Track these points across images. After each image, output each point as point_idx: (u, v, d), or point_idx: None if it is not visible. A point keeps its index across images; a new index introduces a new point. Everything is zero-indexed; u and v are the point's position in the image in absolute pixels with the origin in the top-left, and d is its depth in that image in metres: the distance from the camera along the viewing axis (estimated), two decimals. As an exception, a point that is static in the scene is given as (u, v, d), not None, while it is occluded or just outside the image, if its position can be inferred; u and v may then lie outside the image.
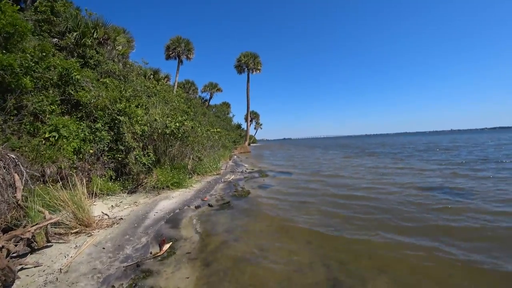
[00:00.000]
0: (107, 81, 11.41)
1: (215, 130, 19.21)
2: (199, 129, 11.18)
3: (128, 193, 8.08)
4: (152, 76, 29.33)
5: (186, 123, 9.44)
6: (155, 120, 8.87)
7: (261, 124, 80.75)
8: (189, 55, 35.10)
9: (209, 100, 53.61)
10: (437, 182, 9.08)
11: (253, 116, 71.02)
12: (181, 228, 5.28)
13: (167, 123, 8.83)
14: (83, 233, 4.77)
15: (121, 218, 5.63)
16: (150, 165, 8.77)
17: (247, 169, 15.22)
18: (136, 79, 15.09)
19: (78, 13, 12.83)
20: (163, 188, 8.59)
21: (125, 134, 8.69)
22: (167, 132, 8.73)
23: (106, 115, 9.03)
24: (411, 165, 13.94)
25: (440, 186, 8.43)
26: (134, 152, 8.07)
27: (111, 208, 6.48)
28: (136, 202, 7.10)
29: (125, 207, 6.66)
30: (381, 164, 15.09)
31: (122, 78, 14.49)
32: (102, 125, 8.58)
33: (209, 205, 6.97)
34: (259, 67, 38.27)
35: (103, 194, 7.46)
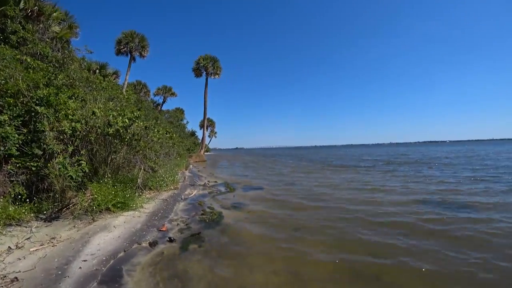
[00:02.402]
0: (28, 60, 8.45)
1: (170, 134, 16.67)
2: (154, 131, 8.81)
3: (45, 221, 5.45)
4: (98, 70, 25.31)
5: (137, 122, 7.09)
6: (93, 114, 6.36)
7: (216, 132, 77.96)
8: (142, 52, 31.57)
9: (162, 104, 49.67)
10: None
11: (209, 123, 68.03)
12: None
13: (110, 120, 6.39)
14: None
15: (14, 280, 3.20)
16: (81, 178, 6.22)
17: (209, 181, 13.06)
18: (74, 68, 11.98)
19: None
20: (101, 211, 6.12)
21: (45, 133, 6.06)
22: (110, 132, 6.30)
23: (19, 105, 6.34)
24: (376, 178, 13.44)
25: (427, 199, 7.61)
26: (57, 159, 5.48)
27: (5, 254, 3.93)
28: (54, 239, 4.60)
29: (32, 249, 4.14)
30: (348, 176, 14.37)
31: (56, 65, 11.34)
32: (10, 118, 5.89)
33: (170, 240, 4.82)
34: (218, 72, 36.23)
35: (1, 224, 4.79)
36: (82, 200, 6.07)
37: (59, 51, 15.10)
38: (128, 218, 5.90)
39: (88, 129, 6.87)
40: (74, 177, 5.30)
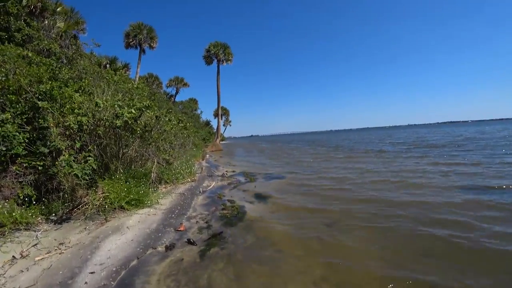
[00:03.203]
0: (30, 54, 8.01)
1: (184, 124, 16.17)
2: (166, 121, 8.21)
3: (55, 223, 5.04)
4: (108, 65, 25.08)
5: (148, 113, 6.49)
6: (97, 106, 5.81)
7: (230, 121, 77.42)
8: (152, 44, 31.15)
9: (175, 95, 49.51)
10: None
11: (223, 112, 67.55)
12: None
13: (117, 111, 5.81)
14: None
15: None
16: (89, 176, 5.77)
17: (227, 171, 12.51)
18: (84, 63, 11.54)
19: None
20: (114, 209, 5.67)
21: (50, 130, 5.59)
22: (118, 125, 5.74)
23: (22, 102, 5.92)
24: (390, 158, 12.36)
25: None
26: (62, 157, 5.00)
27: (8, 265, 3.50)
28: (62, 244, 4.15)
29: (37, 258, 3.70)
30: (368, 162, 13.38)
31: (65, 62, 10.96)
32: (12, 116, 5.46)
33: (189, 242, 4.25)
34: (230, 58, 35.23)
35: (8, 230, 4.41)
36: (94, 199, 5.62)
37: (68, 48, 14.73)
38: (143, 217, 5.39)
39: (96, 122, 6.37)
40: (80, 175, 4.77)
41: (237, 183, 9.35)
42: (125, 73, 26.82)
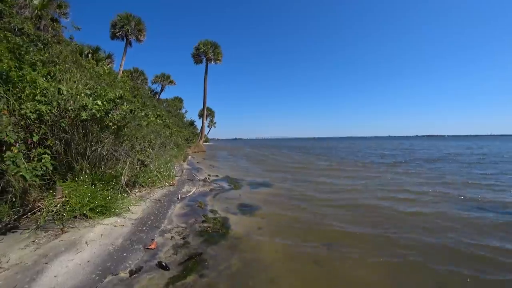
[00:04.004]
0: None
1: (163, 120, 15.16)
2: (142, 115, 7.30)
3: (-1, 233, 4.10)
4: (90, 55, 23.57)
5: (123, 107, 5.62)
6: (59, 92, 4.90)
7: (215, 122, 76.02)
8: (139, 37, 29.91)
9: (160, 93, 48.00)
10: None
11: (208, 113, 66.17)
12: None
13: (84, 101, 4.93)
14: None
15: None
16: (48, 176, 4.85)
17: (209, 175, 11.69)
18: (61, 47, 10.37)
19: None
20: (74, 217, 4.78)
21: (2, 117, 4.64)
22: (84, 117, 4.86)
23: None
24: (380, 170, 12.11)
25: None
26: (8, 153, 4.06)
27: None
28: (-5, 264, 3.25)
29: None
30: (361, 170, 13.04)
31: (40, 44, 9.76)
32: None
33: (161, 266, 3.46)
34: (219, 58, 34.39)
35: None
36: (50, 204, 4.72)
37: (45, 31, 13.47)
38: (108, 229, 4.53)
39: (60, 113, 5.43)
40: (27, 178, 3.87)
41: (220, 190, 8.59)
42: (108, 64, 25.36)
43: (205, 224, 5.12)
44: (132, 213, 5.48)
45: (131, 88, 18.40)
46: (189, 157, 21.77)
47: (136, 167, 6.26)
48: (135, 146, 6.34)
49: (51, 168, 4.29)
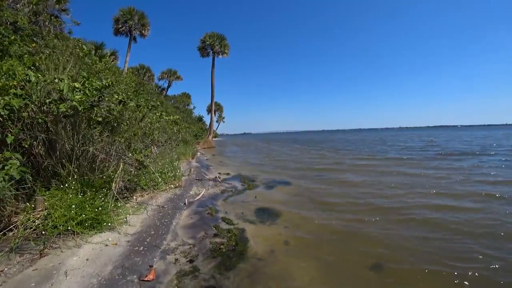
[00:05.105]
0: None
1: (167, 115, 14.24)
2: (139, 107, 6.28)
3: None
4: (93, 51, 22.87)
5: (113, 97, 4.64)
6: (28, 81, 3.95)
7: (223, 117, 75.11)
8: (143, 32, 29.04)
9: (167, 89, 47.41)
10: None
11: (216, 108, 65.28)
12: None
13: (63, 90, 3.95)
14: None
15: None
16: (28, 185, 3.94)
17: (220, 174, 10.73)
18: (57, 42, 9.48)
19: None
20: (59, 234, 3.88)
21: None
22: (63, 110, 3.89)
23: None
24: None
25: None
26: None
27: None
28: None
29: None
30: (374, 162, 11.79)
31: (35, 39, 8.89)
32: None
33: (159, 310, 2.48)
34: (226, 51, 33.17)
35: None
36: (28, 219, 3.83)
37: (42, 27, 12.64)
38: (96, 250, 3.58)
39: (40, 108, 4.48)
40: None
41: (233, 191, 7.59)
42: (112, 61, 24.58)
43: (218, 240, 4.12)
44: (129, 225, 4.53)
45: (136, 84, 17.58)
46: (198, 153, 20.91)
47: (131, 170, 5.29)
48: (132, 145, 5.38)
49: (17, 177, 3.34)
